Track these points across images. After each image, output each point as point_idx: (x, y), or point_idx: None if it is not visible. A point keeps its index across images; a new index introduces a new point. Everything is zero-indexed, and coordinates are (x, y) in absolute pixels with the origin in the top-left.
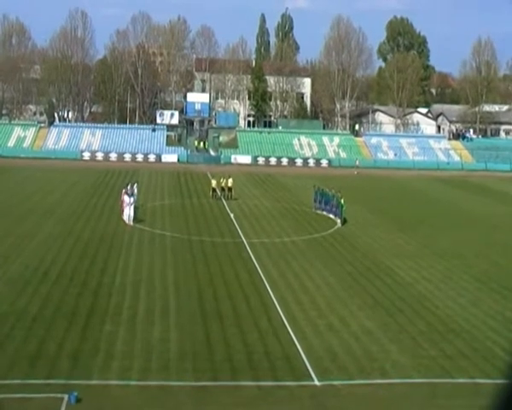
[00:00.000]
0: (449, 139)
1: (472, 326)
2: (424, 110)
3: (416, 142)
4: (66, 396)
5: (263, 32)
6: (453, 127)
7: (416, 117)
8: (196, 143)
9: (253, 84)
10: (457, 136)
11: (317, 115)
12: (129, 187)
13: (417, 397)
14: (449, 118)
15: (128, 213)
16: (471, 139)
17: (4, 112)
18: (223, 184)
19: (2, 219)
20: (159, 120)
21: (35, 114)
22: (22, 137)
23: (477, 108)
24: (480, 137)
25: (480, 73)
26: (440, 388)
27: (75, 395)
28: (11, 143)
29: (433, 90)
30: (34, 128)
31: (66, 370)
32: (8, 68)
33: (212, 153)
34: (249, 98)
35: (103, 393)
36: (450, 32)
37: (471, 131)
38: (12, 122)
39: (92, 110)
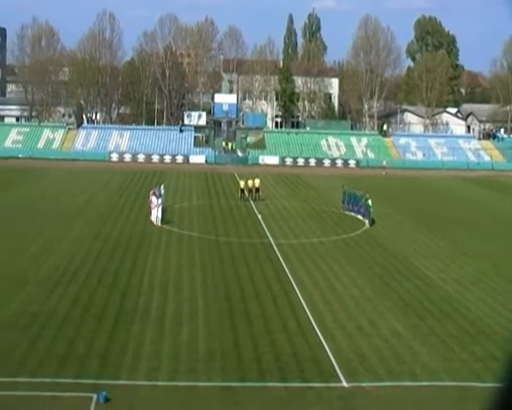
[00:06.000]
0: (479, 139)
1: (503, 328)
2: (453, 110)
3: (445, 142)
4: (95, 396)
5: (290, 33)
6: (483, 127)
7: (446, 117)
8: (224, 143)
9: (281, 84)
10: (488, 135)
11: (344, 116)
12: (156, 188)
13: (447, 400)
14: (479, 117)
15: (156, 214)
16: (502, 139)
17: (34, 114)
18: (250, 185)
19: (33, 221)
20: (186, 121)
21: (64, 115)
22: (51, 138)
23: (508, 108)
24: (511, 136)
25: (511, 72)
26: (470, 391)
27: (104, 394)
28: (40, 144)
29: (463, 90)
30: (63, 130)
31: (95, 369)
32: (37, 71)
33: (239, 154)
34: (277, 99)
35: (132, 393)
36: (479, 31)
37: (502, 130)
38: (41, 124)
39: (120, 112)
